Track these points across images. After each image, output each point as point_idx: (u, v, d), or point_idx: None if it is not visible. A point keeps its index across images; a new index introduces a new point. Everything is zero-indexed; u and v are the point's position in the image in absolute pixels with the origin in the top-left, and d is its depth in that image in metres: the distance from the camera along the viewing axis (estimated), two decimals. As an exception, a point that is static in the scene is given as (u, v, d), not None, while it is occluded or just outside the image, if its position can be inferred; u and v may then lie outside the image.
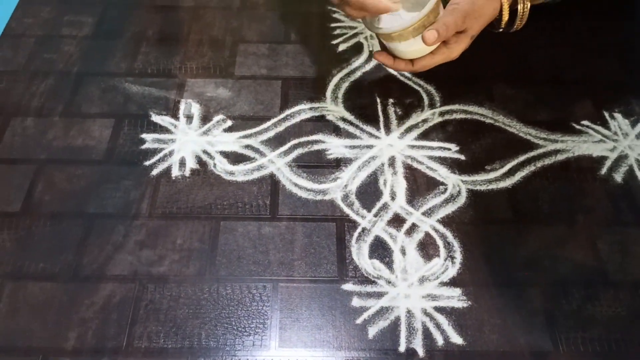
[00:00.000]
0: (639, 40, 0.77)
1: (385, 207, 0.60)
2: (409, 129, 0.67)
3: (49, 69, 0.72)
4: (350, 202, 0.60)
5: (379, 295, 0.54)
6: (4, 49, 0.74)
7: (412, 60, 0.62)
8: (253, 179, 0.62)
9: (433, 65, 0.62)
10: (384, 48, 0.64)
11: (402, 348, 0.51)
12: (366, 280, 0.55)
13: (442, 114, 0.69)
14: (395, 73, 0.73)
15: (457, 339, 0.51)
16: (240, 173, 0.63)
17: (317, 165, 0.64)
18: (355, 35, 0.78)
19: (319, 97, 0.70)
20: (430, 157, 0.64)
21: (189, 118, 0.67)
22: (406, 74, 0.73)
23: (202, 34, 0.77)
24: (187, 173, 0.62)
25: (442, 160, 0.64)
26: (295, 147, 0.65)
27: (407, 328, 0.52)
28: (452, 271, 0.55)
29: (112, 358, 0.49)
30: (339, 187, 0.62)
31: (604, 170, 0.63)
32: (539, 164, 0.64)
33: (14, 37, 0.75)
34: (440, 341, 0.51)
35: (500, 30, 0.65)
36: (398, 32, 0.58)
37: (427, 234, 0.58)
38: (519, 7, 0.62)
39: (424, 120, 0.68)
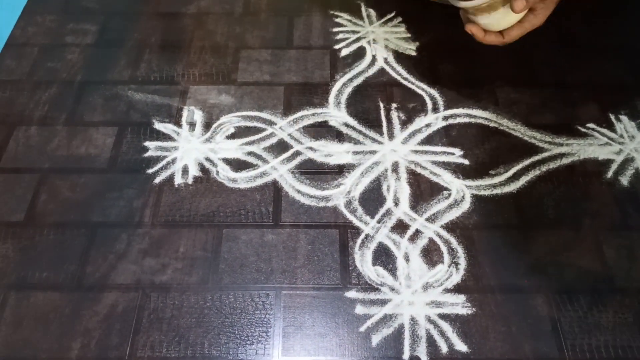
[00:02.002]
0: (644, 41, 0.76)
1: (388, 213, 0.60)
2: (412, 134, 0.67)
3: (53, 77, 0.72)
4: (354, 208, 0.60)
5: (383, 302, 0.53)
6: (7, 58, 0.74)
7: (502, 32, 0.64)
8: (256, 186, 0.62)
9: (522, 34, 0.64)
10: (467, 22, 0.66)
11: (406, 356, 0.50)
12: (369, 287, 0.54)
13: (445, 118, 0.68)
14: (397, 77, 0.72)
15: (461, 347, 0.51)
16: (243, 180, 0.63)
17: (320, 171, 0.63)
18: (357, 39, 0.77)
19: (321, 102, 0.70)
20: (434, 162, 0.64)
21: (192, 125, 0.67)
22: (410, 77, 0.72)
23: (204, 40, 0.77)
24: (190, 181, 0.62)
25: (446, 165, 0.64)
26: (298, 153, 0.65)
27: (410, 335, 0.51)
28: (457, 277, 0.55)
29: (115, 368, 0.49)
30: (342, 194, 0.61)
31: (610, 174, 0.63)
32: (544, 168, 0.63)
33: (18, 46, 0.76)
34: (444, 349, 0.51)
35: None
36: (488, 3, 0.60)
37: (431, 240, 0.58)
38: None
39: (428, 125, 0.68)
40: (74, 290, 0.54)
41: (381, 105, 0.70)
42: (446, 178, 0.63)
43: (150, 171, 0.63)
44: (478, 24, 0.65)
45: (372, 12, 0.81)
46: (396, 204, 0.60)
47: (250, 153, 0.65)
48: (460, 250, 0.57)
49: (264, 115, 0.69)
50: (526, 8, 0.60)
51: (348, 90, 0.71)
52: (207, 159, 0.64)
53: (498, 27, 0.65)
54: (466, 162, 0.64)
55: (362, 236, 0.58)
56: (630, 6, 0.79)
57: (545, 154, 0.64)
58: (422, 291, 0.54)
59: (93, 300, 0.53)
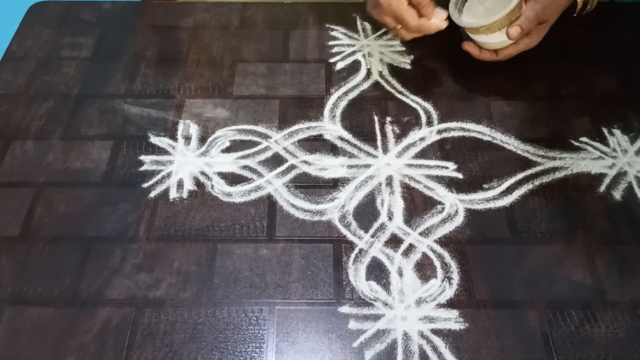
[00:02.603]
0: (636, 55, 0.76)
1: (382, 227, 0.60)
2: (406, 148, 0.67)
3: (49, 91, 0.73)
4: (348, 222, 0.60)
5: (376, 317, 0.54)
6: (4, 72, 0.75)
7: (496, 50, 0.70)
8: (250, 200, 0.62)
9: (516, 53, 0.70)
10: (466, 40, 0.72)
11: (398, 372, 0.50)
12: (363, 302, 0.55)
13: (440, 131, 0.69)
14: (392, 90, 0.73)
15: (454, 362, 0.51)
16: (238, 194, 0.63)
17: (314, 185, 0.64)
18: (353, 53, 0.78)
19: (316, 116, 0.70)
20: (428, 176, 0.64)
21: (187, 139, 0.68)
22: (404, 91, 0.73)
23: (200, 53, 0.78)
24: (185, 195, 0.63)
25: (440, 179, 0.64)
26: (292, 167, 0.65)
27: (403, 351, 0.51)
28: (450, 292, 0.55)
29: (109, 384, 0.50)
30: (336, 208, 0.62)
31: (602, 188, 0.63)
32: (537, 182, 0.63)
33: (15, 59, 0.76)
34: (437, 364, 0.51)
35: (574, 15, 0.71)
36: (486, 26, 0.66)
37: (425, 255, 0.58)
38: None
39: (422, 139, 0.68)
40: (68, 305, 0.54)
41: (376, 118, 0.70)
42: (440, 192, 0.63)
43: (145, 185, 0.63)
44: (475, 41, 0.70)
45: (368, 26, 0.81)
46: (390, 218, 0.61)
47: (245, 167, 0.65)
48: (453, 265, 0.57)
49: (259, 128, 0.69)
50: (521, 35, 0.66)
51: (343, 103, 0.72)
52: (202, 173, 0.64)
53: (494, 47, 0.69)
54: (460, 175, 0.64)
55: (356, 251, 0.58)
56: (623, 20, 0.80)
57: (539, 168, 0.65)
58: (415, 306, 0.54)
59: (87, 315, 0.53)
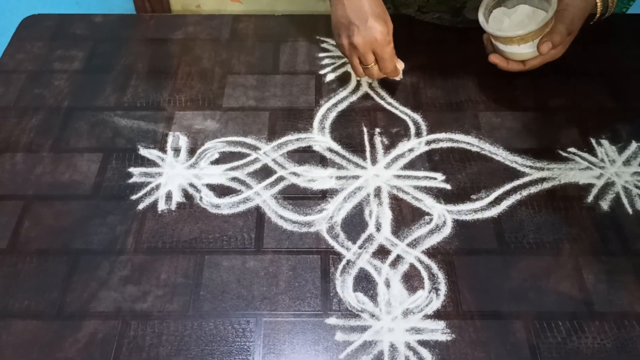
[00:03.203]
0: (624, 66, 0.77)
1: (370, 238, 0.60)
2: (395, 159, 0.67)
3: (40, 104, 0.73)
4: (336, 233, 0.61)
5: (363, 329, 0.54)
6: (-4, 85, 0.75)
7: (523, 62, 0.70)
8: (239, 212, 0.62)
9: (543, 63, 0.71)
10: (491, 51, 0.73)
11: (385, 384, 0.50)
12: (350, 314, 0.55)
13: (428, 142, 0.69)
14: (381, 102, 0.73)
15: (440, 374, 0.51)
16: (226, 206, 0.63)
17: (303, 196, 0.64)
18: (342, 65, 0.78)
19: (306, 127, 0.71)
20: (416, 187, 0.64)
21: (177, 151, 0.68)
22: (393, 102, 0.73)
23: (191, 66, 0.78)
24: (173, 207, 0.63)
25: (428, 190, 0.64)
26: (281, 178, 0.65)
27: (390, 363, 0.51)
28: (437, 303, 0.55)
29: (94, 397, 0.49)
30: (324, 219, 0.62)
31: (590, 198, 0.63)
32: (525, 193, 0.64)
33: (6, 72, 0.77)
34: (423, 376, 0.51)
35: (591, 23, 0.72)
36: (520, 36, 0.67)
37: (412, 266, 0.58)
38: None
39: (410, 150, 0.68)
40: (55, 319, 0.54)
41: (365, 130, 0.70)
42: (428, 203, 0.63)
43: (134, 197, 0.63)
44: (502, 51, 0.71)
45: (358, 37, 0.82)
46: (378, 229, 0.61)
47: (234, 179, 0.65)
48: (440, 276, 0.57)
49: (248, 140, 0.69)
50: (551, 49, 0.67)
51: (332, 115, 0.72)
52: (191, 185, 0.65)
53: (521, 57, 0.70)
54: (448, 186, 0.64)
55: (344, 262, 0.58)
56: (611, 32, 0.80)
57: (527, 179, 0.65)
58: (402, 317, 0.54)
59: (73, 328, 0.53)
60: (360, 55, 0.68)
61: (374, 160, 0.67)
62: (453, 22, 0.82)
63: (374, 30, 0.65)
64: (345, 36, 0.67)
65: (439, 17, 0.83)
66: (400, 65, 0.71)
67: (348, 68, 0.78)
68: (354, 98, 0.74)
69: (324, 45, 0.81)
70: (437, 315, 0.54)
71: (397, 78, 0.73)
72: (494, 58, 0.72)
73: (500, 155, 0.67)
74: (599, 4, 0.69)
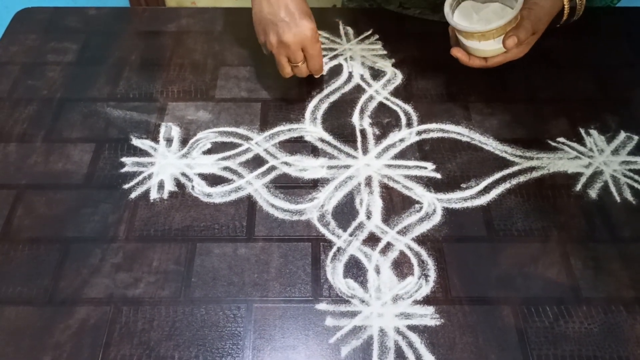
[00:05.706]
0: (613, 57, 0.78)
1: (360, 226, 0.61)
2: (386, 149, 0.68)
3: (33, 95, 0.73)
4: (326, 222, 0.61)
5: (353, 314, 0.54)
6: (-11, 77, 0.75)
7: (485, 58, 0.69)
8: (230, 201, 0.63)
9: (505, 61, 0.69)
10: (455, 46, 0.71)
11: (374, 367, 0.51)
12: (340, 299, 0.55)
13: (419, 132, 0.70)
14: (372, 93, 0.74)
15: (429, 357, 0.51)
16: (218, 195, 0.63)
17: (294, 185, 0.64)
18: (335, 57, 0.79)
19: (298, 118, 0.71)
20: (407, 176, 0.65)
21: (169, 141, 0.68)
22: (385, 93, 0.74)
23: (184, 58, 0.79)
24: (166, 196, 0.63)
25: (418, 179, 0.65)
26: (273, 168, 0.66)
27: (379, 347, 0.52)
28: (426, 289, 0.56)
29: (85, 381, 0.50)
30: (315, 207, 0.62)
31: (578, 187, 0.64)
32: (514, 182, 0.64)
33: (0, 65, 0.77)
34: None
35: (558, 25, 0.71)
36: (481, 33, 0.66)
37: (402, 253, 0.58)
38: (577, 1, 0.68)
39: (401, 140, 0.69)
40: (46, 305, 0.54)
41: (356, 120, 0.71)
42: (418, 192, 0.64)
43: (126, 186, 0.64)
44: (466, 47, 0.69)
45: (350, 30, 0.82)
46: (368, 218, 0.61)
47: (225, 168, 0.66)
48: (430, 263, 0.58)
49: (240, 130, 0.70)
50: (517, 46, 0.65)
51: (324, 106, 0.73)
52: (183, 174, 0.65)
53: (484, 54, 0.69)
54: (438, 175, 0.65)
55: (334, 249, 0.59)
56: (600, 24, 0.81)
57: (516, 168, 0.65)
58: (391, 303, 0.55)
59: (65, 314, 0.54)
60: (290, 53, 0.67)
61: (365, 150, 0.68)
62: (434, 17, 0.83)
63: (303, 27, 0.65)
64: (274, 34, 0.66)
65: (421, 12, 0.83)
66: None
67: (340, 60, 0.78)
68: (345, 89, 0.75)
69: (316, 37, 0.82)
70: (426, 300, 0.55)
71: (318, 76, 0.73)
72: (456, 52, 0.70)
73: (490, 145, 0.68)
74: (566, 7, 0.68)
